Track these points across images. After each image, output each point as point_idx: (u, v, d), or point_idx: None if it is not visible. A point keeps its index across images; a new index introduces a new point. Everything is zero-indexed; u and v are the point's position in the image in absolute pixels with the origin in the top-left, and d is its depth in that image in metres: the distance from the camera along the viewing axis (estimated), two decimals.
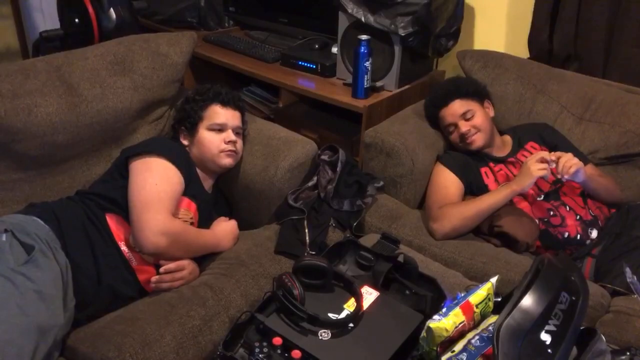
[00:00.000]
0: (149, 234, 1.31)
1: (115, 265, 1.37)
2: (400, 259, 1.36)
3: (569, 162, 1.53)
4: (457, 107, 1.78)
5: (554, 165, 1.56)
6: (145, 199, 1.36)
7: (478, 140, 1.75)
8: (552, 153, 1.59)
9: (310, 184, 1.68)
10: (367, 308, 1.24)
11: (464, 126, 1.76)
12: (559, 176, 1.56)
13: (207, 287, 1.36)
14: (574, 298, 0.94)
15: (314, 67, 2.23)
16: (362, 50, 1.93)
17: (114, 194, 1.42)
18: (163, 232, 1.32)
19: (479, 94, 1.83)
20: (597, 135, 1.83)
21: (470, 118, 1.76)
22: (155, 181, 1.39)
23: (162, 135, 1.77)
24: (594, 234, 1.63)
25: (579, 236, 1.61)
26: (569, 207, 1.65)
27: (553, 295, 0.92)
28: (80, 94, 1.56)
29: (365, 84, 2.00)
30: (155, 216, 1.33)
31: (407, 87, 2.14)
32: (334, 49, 2.21)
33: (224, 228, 1.55)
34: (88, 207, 1.42)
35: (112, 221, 1.40)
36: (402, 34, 1.92)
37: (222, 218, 1.59)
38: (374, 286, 1.31)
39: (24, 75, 1.49)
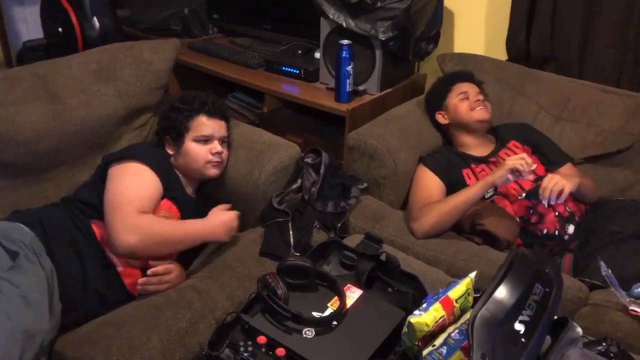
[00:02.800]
0: (118, 234, 1.32)
1: (101, 270, 1.38)
2: (383, 257, 1.39)
3: (556, 187, 1.55)
4: (476, 85, 1.89)
5: (528, 176, 1.58)
6: (116, 202, 1.37)
7: (486, 112, 1.83)
8: (549, 176, 1.60)
9: (294, 186, 1.70)
10: (351, 306, 1.26)
11: (478, 95, 1.85)
12: (552, 203, 1.58)
13: (193, 289, 1.37)
14: (547, 289, 0.97)
15: (298, 72, 2.26)
16: (344, 55, 1.97)
17: (96, 199, 1.43)
18: (130, 229, 1.32)
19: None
20: (574, 134, 1.88)
21: (483, 97, 1.87)
22: (126, 184, 1.41)
23: (146, 141, 1.79)
24: (571, 229, 1.66)
25: (557, 232, 1.65)
26: (548, 204, 1.68)
27: (526, 287, 0.95)
28: (64, 102, 1.58)
29: (348, 88, 2.03)
30: (121, 216, 1.34)
31: (389, 90, 2.17)
32: (317, 54, 2.24)
33: (219, 218, 1.49)
34: (73, 213, 1.43)
35: (96, 227, 1.42)
36: (383, 38, 1.96)
37: (222, 206, 1.55)
38: (357, 285, 1.33)
39: (8, 84, 1.50)
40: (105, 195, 1.40)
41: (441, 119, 1.91)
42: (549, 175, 1.60)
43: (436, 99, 1.94)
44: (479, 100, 1.84)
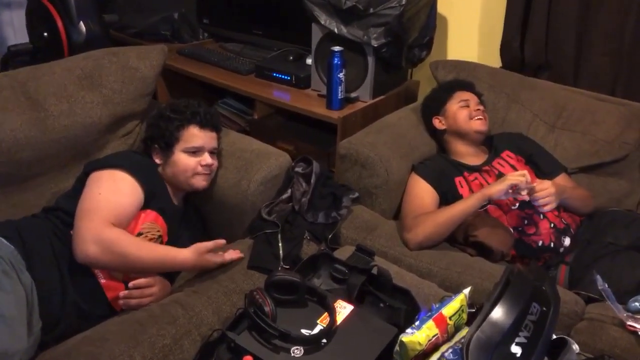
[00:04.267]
0: (80, 242, 1.28)
1: (82, 283, 1.34)
2: (374, 271, 1.35)
3: (544, 200, 1.54)
4: (476, 97, 1.87)
5: (525, 192, 1.54)
6: (85, 209, 1.33)
7: (485, 123, 1.81)
8: (538, 182, 1.59)
9: (284, 196, 1.67)
10: (341, 323, 1.22)
11: (478, 105, 1.83)
12: (534, 204, 1.56)
13: (177, 304, 1.33)
14: (544, 308, 0.94)
15: (289, 78, 2.23)
16: (336, 61, 1.94)
17: (75, 208, 1.38)
18: (93, 240, 1.28)
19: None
20: (569, 143, 1.85)
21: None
22: (99, 191, 1.37)
23: (132, 149, 1.74)
24: (567, 241, 1.64)
25: (552, 244, 1.62)
26: (542, 215, 1.66)
27: (523, 307, 0.92)
28: (46, 110, 1.53)
29: (340, 95, 2.00)
30: (88, 224, 1.30)
31: (381, 97, 2.14)
32: (309, 61, 2.21)
33: (198, 259, 1.38)
34: (54, 224, 1.38)
35: None
36: (375, 45, 1.93)
37: (216, 242, 1.41)
38: (348, 300, 1.29)
39: None
40: (78, 202, 1.36)
41: (438, 124, 1.88)
42: (547, 184, 1.58)
43: (435, 104, 1.91)
44: (479, 109, 1.81)
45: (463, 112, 1.82)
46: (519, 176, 1.54)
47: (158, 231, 1.47)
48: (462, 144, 1.84)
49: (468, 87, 1.91)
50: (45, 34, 2.07)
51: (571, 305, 1.40)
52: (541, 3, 1.99)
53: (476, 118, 1.80)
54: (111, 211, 1.35)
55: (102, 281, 1.35)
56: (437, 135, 1.93)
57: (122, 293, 1.32)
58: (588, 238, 1.62)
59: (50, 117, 1.53)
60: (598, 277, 1.34)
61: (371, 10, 1.90)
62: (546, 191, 1.54)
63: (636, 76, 1.92)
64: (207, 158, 1.56)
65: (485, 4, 2.21)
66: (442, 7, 2.21)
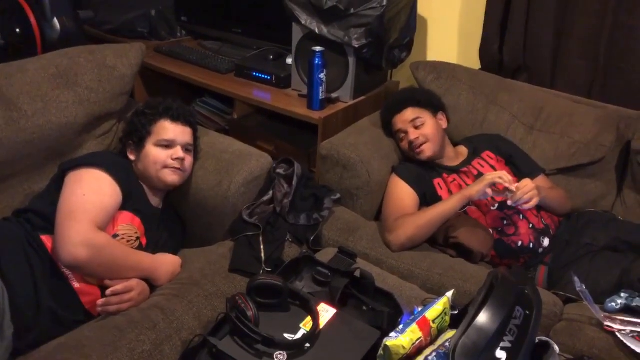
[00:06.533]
0: (68, 245, 1.25)
1: (55, 288, 1.30)
2: (357, 274, 1.35)
3: (527, 196, 1.54)
4: (409, 114, 1.80)
5: (508, 194, 1.55)
6: (70, 209, 1.30)
7: (427, 150, 1.75)
8: (515, 183, 1.59)
9: (265, 198, 1.65)
10: (324, 326, 1.21)
11: (413, 134, 1.77)
12: (517, 205, 1.56)
13: (157, 309, 1.30)
14: (527, 312, 0.94)
15: (269, 78, 2.20)
16: (317, 61, 1.92)
17: (49, 210, 1.34)
18: (84, 243, 1.25)
19: (432, 104, 1.85)
20: (548, 145, 1.88)
21: (419, 126, 1.77)
22: (83, 192, 1.34)
23: (109, 150, 1.70)
24: (546, 242, 1.66)
25: (531, 244, 1.64)
26: (522, 215, 1.67)
27: (507, 311, 0.92)
28: (19, 109, 1.49)
29: (321, 95, 1.98)
30: (77, 226, 1.27)
31: (362, 98, 2.13)
32: (289, 60, 2.19)
33: (167, 258, 1.46)
34: (24, 228, 1.34)
35: (47, 241, 1.33)
36: (356, 46, 1.92)
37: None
38: (331, 303, 1.29)
39: None
40: (59, 202, 1.33)
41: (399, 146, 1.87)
42: (527, 181, 1.59)
43: (389, 133, 1.88)
44: (417, 138, 1.75)
45: (404, 144, 1.81)
46: (497, 176, 1.55)
47: (136, 233, 1.44)
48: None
49: (400, 108, 1.82)
50: (18, 30, 2.00)
51: (550, 306, 1.42)
52: (520, 6, 2.01)
53: (417, 150, 1.76)
54: (98, 212, 1.32)
55: (76, 285, 1.32)
56: None
57: (100, 302, 1.29)
58: (566, 239, 1.65)
59: (23, 117, 1.48)
60: (576, 278, 1.36)
61: (352, 11, 1.89)
62: (528, 187, 1.55)
63: (612, 79, 1.96)
64: (178, 152, 1.54)
65: (464, 6, 2.22)
66: (422, 9, 2.21)
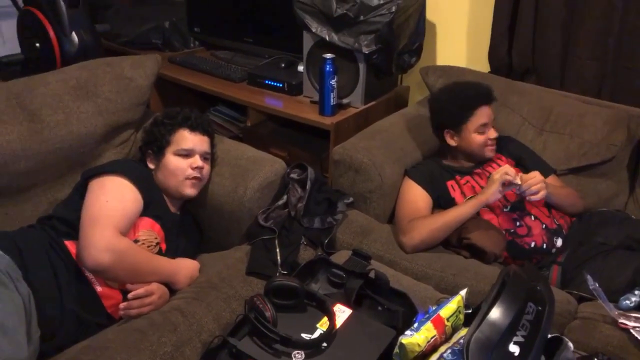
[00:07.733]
0: (92, 250, 1.28)
1: (79, 292, 1.34)
2: (372, 275, 1.37)
3: (535, 187, 1.56)
4: (492, 110, 1.79)
5: (515, 186, 1.58)
6: (94, 215, 1.34)
7: (494, 151, 1.79)
8: (520, 175, 1.60)
9: (280, 202, 1.68)
10: (340, 326, 1.24)
11: (494, 132, 1.77)
12: (524, 195, 1.59)
13: (178, 312, 1.33)
14: (540, 308, 0.96)
15: (281, 85, 2.25)
16: (328, 68, 1.96)
17: (73, 216, 1.38)
18: (107, 248, 1.29)
19: None
20: (558, 146, 1.89)
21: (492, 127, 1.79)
22: (106, 198, 1.37)
23: (128, 158, 1.75)
24: (559, 242, 1.67)
25: (544, 245, 1.65)
26: (534, 216, 1.69)
27: (520, 307, 0.94)
28: (42, 120, 1.54)
29: (332, 101, 2.02)
30: (102, 232, 1.30)
31: (372, 103, 2.17)
32: (300, 68, 2.23)
33: (186, 262, 1.50)
34: (48, 234, 1.38)
35: (72, 247, 1.37)
36: (366, 52, 1.95)
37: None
38: (347, 304, 1.31)
39: None
40: (83, 209, 1.37)
41: (449, 138, 1.81)
42: (535, 173, 1.61)
43: (452, 119, 1.78)
44: (494, 139, 1.78)
45: (479, 139, 1.76)
46: (503, 172, 1.58)
47: (156, 238, 1.48)
48: (464, 159, 1.83)
49: (487, 98, 1.77)
50: (38, 44, 2.07)
51: (564, 304, 1.43)
52: (528, 9, 2.03)
53: (489, 147, 1.78)
54: (121, 219, 1.36)
55: (99, 289, 1.36)
56: (440, 140, 1.87)
57: (122, 305, 1.33)
58: (579, 239, 1.65)
59: (46, 128, 1.53)
60: (589, 277, 1.37)
61: (361, 18, 1.93)
62: (535, 179, 1.57)
63: (621, 79, 1.97)
64: (197, 161, 1.57)
65: (472, 10, 2.25)
66: (430, 14, 2.24)
